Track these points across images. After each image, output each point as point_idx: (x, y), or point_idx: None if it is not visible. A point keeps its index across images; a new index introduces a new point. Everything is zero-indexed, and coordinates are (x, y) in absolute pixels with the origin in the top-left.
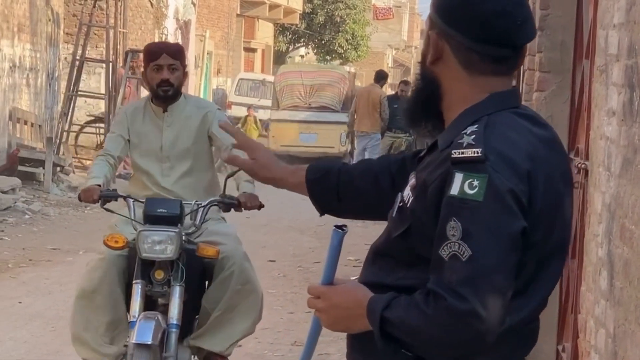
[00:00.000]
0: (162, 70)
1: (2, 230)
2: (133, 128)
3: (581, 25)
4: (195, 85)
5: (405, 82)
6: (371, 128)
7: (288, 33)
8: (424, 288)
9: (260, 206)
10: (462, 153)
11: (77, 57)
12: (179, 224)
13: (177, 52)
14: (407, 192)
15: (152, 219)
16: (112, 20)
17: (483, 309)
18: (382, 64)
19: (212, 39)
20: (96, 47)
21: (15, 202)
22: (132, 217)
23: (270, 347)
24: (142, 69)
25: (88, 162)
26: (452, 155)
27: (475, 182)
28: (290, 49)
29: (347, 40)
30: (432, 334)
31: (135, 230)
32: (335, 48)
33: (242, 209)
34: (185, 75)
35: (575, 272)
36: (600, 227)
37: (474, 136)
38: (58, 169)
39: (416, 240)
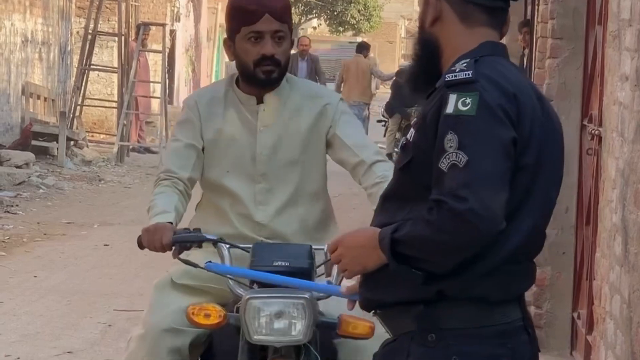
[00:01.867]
0: (264, 40)
1: (17, 205)
2: (209, 128)
3: None
4: (208, 59)
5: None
6: (361, 97)
7: (300, 5)
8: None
9: None
10: (455, 76)
11: (90, 31)
12: None
13: (284, 12)
14: (411, 131)
15: None
16: None
17: (481, 207)
18: (395, 34)
19: (224, 11)
20: (108, 20)
21: (29, 177)
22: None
23: None
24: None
25: (102, 136)
26: (446, 79)
27: (468, 100)
28: (302, 20)
29: (359, 11)
30: (438, 239)
31: (234, 293)
32: (348, 19)
33: None
34: (292, 45)
35: (590, 238)
36: (614, 193)
37: (465, 64)
38: (72, 143)
39: (418, 170)
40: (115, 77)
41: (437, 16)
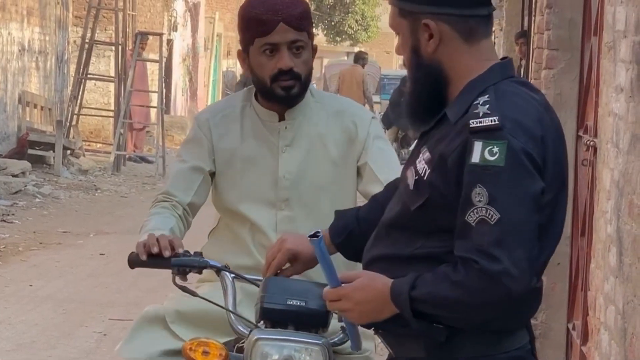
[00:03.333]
0: (280, 53)
1: (13, 214)
2: (223, 148)
3: (589, 2)
4: (205, 68)
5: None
6: None
7: None
8: (448, 262)
9: None
10: (480, 122)
11: (87, 40)
12: (323, 328)
13: (302, 18)
14: (423, 166)
15: (276, 316)
16: (120, 3)
17: (515, 268)
18: (393, 44)
19: (221, 20)
20: (105, 29)
21: (25, 186)
22: (232, 309)
23: None
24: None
25: (99, 145)
26: (470, 125)
27: (495, 149)
28: None
29: (357, 22)
30: (464, 300)
31: (237, 331)
32: (345, 29)
33: None
34: (315, 52)
35: (585, 249)
36: (609, 203)
37: (487, 105)
38: (68, 152)
39: (435, 212)
40: (112, 86)
41: (440, 40)
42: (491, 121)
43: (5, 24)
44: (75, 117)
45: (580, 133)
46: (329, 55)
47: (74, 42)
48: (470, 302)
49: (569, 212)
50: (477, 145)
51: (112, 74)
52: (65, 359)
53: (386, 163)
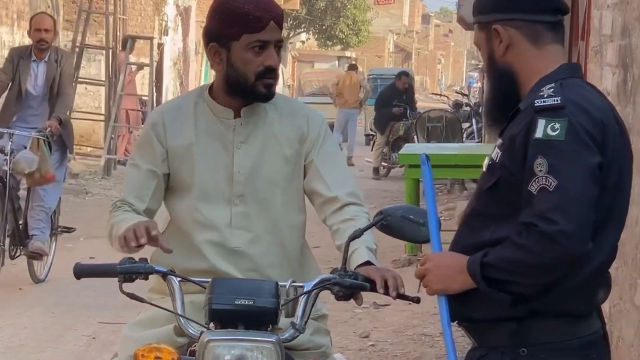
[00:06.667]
0: (268, 51)
1: None
2: (177, 146)
3: (577, 7)
4: (196, 72)
5: (406, 74)
6: (353, 105)
7: (289, 19)
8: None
9: (415, 298)
10: (544, 102)
11: (77, 44)
12: (273, 325)
13: (283, 19)
14: (496, 151)
15: (225, 316)
16: (111, 7)
17: (570, 229)
18: (384, 49)
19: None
20: (96, 34)
21: None
22: (181, 312)
23: None
24: (202, 47)
25: (89, 149)
26: (535, 104)
27: (557, 125)
28: (291, 34)
29: (348, 26)
30: (528, 261)
31: (187, 334)
32: (337, 33)
33: (380, 292)
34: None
35: None
36: None
37: (552, 90)
38: None
39: (505, 192)
40: (102, 90)
41: (509, 44)
42: (554, 101)
43: None
44: None
45: None
46: (320, 60)
47: (65, 45)
48: (532, 263)
49: None
50: (541, 123)
51: (103, 78)
52: None
53: (333, 165)
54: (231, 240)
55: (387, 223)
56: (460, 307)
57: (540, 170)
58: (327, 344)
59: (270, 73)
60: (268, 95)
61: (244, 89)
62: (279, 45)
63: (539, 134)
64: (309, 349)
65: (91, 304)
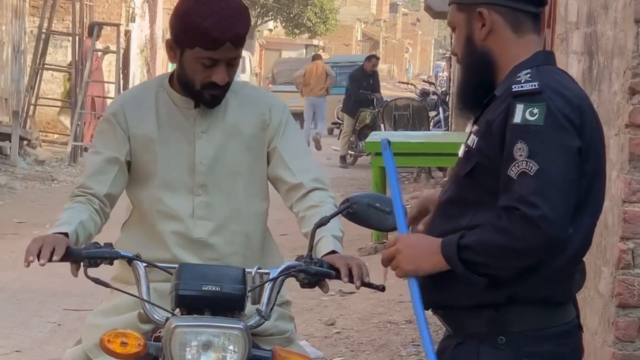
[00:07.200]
0: (217, 67)
1: None
2: (138, 136)
3: None
4: (163, 59)
5: (376, 57)
6: (319, 92)
7: (256, 7)
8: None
9: (380, 286)
10: (521, 87)
11: (44, 30)
12: (240, 312)
13: (244, 37)
14: (472, 138)
15: (192, 302)
16: None
17: (552, 213)
18: (351, 37)
19: None
20: (62, 20)
21: None
22: (147, 298)
23: None
24: (166, 42)
25: (55, 136)
26: (513, 89)
27: (535, 110)
28: (258, 22)
29: (315, 14)
30: (508, 245)
31: (153, 320)
32: (304, 22)
33: (344, 281)
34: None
35: None
36: None
37: (529, 75)
38: (25, 142)
39: (483, 177)
40: (61, 76)
41: (491, 29)
42: (532, 86)
43: None
44: (32, 107)
45: None
46: (287, 48)
47: (31, 32)
48: (512, 247)
49: None
50: (519, 108)
51: (69, 65)
52: (19, 349)
53: (296, 150)
54: (194, 231)
55: (353, 211)
56: (436, 294)
57: (521, 155)
58: (291, 330)
59: (215, 87)
60: (212, 103)
61: (190, 91)
62: (232, 62)
63: (517, 119)
64: (273, 335)
65: (57, 291)
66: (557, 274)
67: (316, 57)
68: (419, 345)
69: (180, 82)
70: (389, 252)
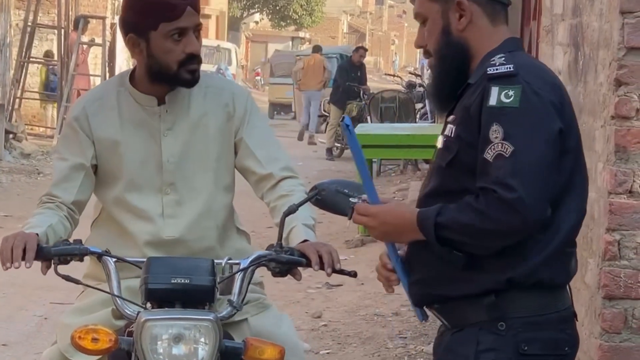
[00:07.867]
0: (187, 37)
1: None
2: (103, 138)
3: None
4: None
5: (364, 48)
6: (316, 86)
7: None
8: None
9: (352, 272)
10: (496, 70)
11: (29, 23)
12: (210, 304)
13: (199, 2)
14: (450, 127)
15: (162, 295)
16: None
17: (529, 195)
18: (337, 29)
19: None
20: (48, 13)
21: None
22: (117, 293)
23: None
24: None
25: (41, 129)
26: (488, 72)
27: (511, 92)
28: (244, 15)
29: (301, 6)
30: (485, 227)
31: (124, 315)
32: (290, 14)
33: (315, 269)
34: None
35: None
36: None
37: (503, 58)
38: (10, 136)
39: (465, 166)
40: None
41: (469, 20)
42: (507, 68)
43: None
44: (17, 100)
45: None
46: (273, 40)
47: (16, 25)
48: (488, 228)
49: None
50: (494, 90)
51: (55, 58)
52: (5, 342)
53: (263, 140)
54: (164, 230)
55: (322, 197)
56: (432, 289)
57: (496, 137)
58: (263, 296)
59: (193, 59)
60: (193, 80)
61: (167, 77)
62: (198, 29)
63: (492, 101)
64: (249, 302)
65: (43, 285)
66: (555, 254)
67: (316, 49)
68: (405, 337)
69: (151, 74)
70: (361, 221)
